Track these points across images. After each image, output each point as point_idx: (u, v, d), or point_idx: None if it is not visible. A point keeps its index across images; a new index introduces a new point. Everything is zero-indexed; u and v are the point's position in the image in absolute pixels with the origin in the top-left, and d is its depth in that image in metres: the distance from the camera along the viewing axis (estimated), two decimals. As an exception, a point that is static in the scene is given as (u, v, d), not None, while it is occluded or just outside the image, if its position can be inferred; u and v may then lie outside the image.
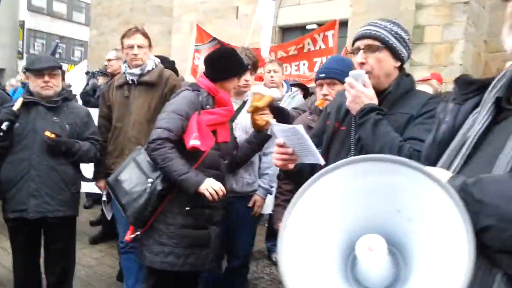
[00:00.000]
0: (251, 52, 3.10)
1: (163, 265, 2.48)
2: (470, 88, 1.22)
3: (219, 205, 2.58)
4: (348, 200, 1.02)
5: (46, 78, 2.87)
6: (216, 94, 2.60)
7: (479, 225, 0.86)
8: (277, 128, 1.91)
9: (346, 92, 1.82)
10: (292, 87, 4.81)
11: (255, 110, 2.70)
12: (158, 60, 3.30)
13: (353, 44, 1.92)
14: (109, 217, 3.52)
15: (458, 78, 1.29)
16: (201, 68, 7.68)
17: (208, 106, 2.55)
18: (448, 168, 1.10)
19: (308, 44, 6.56)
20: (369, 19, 7.25)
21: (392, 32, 1.85)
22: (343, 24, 9.07)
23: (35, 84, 2.90)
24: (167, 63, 3.89)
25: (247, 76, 3.00)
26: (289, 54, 6.76)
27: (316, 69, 6.02)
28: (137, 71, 3.14)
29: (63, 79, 4.53)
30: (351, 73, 1.82)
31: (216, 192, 2.40)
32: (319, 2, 9.58)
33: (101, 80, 6.15)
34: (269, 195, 3.16)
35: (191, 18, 11.51)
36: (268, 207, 3.57)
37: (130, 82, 3.17)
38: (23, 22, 26.93)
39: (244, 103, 3.09)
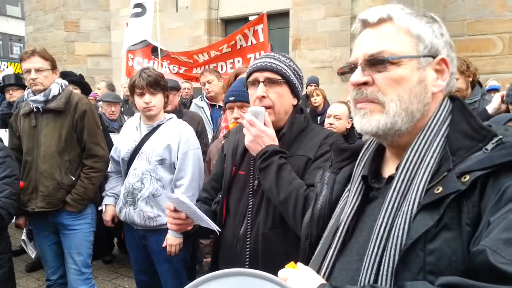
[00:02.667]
0: (150, 71, 2.79)
1: None
2: (343, 155, 1.16)
3: None
4: None
5: None
6: None
7: None
8: (167, 196, 1.75)
9: (245, 130, 1.65)
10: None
11: None
12: (65, 83, 3.03)
13: (248, 76, 1.76)
14: (33, 255, 3.27)
15: (332, 144, 1.21)
16: (136, 69, 7.41)
17: None
18: (323, 259, 1.04)
19: (240, 40, 6.47)
20: (310, 9, 7.24)
21: (291, 68, 1.73)
22: (285, 14, 8.99)
23: None
24: (74, 77, 3.62)
25: (146, 97, 2.72)
26: (222, 52, 6.64)
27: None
28: (40, 97, 2.86)
29: None
30: (250, 109, 1.65)
31: None
32: (259, -7, 9.40)
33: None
34: None
35: (130, 12, 11.02)
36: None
37: (35, 110, 2.90)
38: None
39: (154, 129, 2.83)
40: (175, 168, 2.78)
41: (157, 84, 2.74)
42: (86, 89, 3.85)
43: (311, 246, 1.12)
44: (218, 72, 5.29)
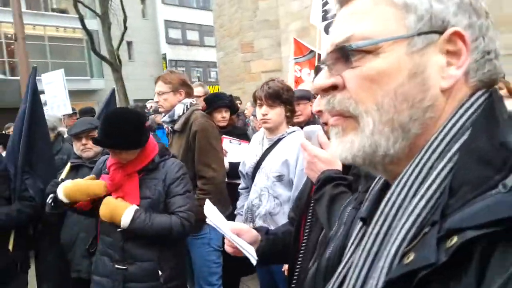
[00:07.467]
0: (274, 83, 2.63)
1: None
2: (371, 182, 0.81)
3: None
4: None
5: (84, 141, 2.92)
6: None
7: None
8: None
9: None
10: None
11: None
12: (192, 102, 3.09)
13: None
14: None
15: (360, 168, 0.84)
16: (304, 80, 7.46)
17: (105, 170, 2.44)
18: None
19: None
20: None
21: None
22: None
23: (76, 148, 2.97)
24: (226, 98, 3.71)
25: (263, 109, 2.62)
26: None
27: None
28: (166, 118, 3.03)
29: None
30: (304, 130, 1.44)
31: None
32: None
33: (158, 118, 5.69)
34: None
35: (297, 26, 11.22)
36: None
37: (168, 130, 3.06)
38: (165, 54, 30.12)
39: (275, 144, 2.67)
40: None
41: (276, 96, 2.58)
42: (234, 109, 3.90)
43: None
44: None
